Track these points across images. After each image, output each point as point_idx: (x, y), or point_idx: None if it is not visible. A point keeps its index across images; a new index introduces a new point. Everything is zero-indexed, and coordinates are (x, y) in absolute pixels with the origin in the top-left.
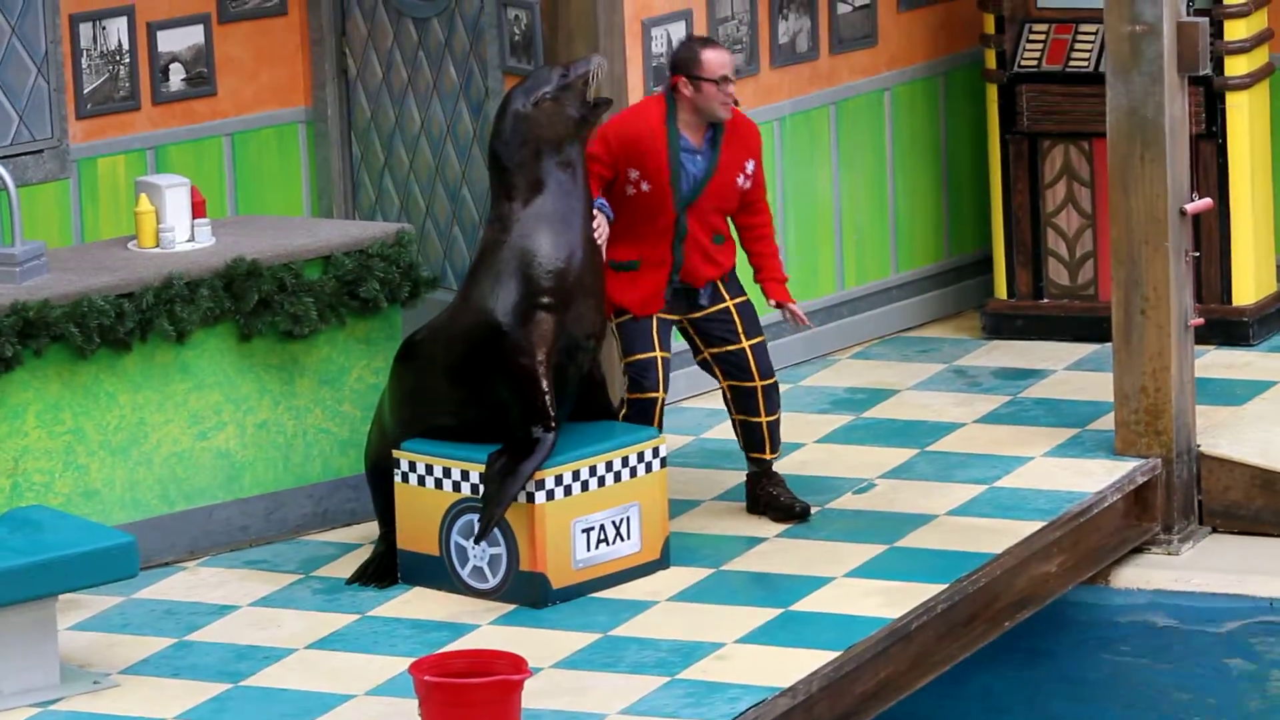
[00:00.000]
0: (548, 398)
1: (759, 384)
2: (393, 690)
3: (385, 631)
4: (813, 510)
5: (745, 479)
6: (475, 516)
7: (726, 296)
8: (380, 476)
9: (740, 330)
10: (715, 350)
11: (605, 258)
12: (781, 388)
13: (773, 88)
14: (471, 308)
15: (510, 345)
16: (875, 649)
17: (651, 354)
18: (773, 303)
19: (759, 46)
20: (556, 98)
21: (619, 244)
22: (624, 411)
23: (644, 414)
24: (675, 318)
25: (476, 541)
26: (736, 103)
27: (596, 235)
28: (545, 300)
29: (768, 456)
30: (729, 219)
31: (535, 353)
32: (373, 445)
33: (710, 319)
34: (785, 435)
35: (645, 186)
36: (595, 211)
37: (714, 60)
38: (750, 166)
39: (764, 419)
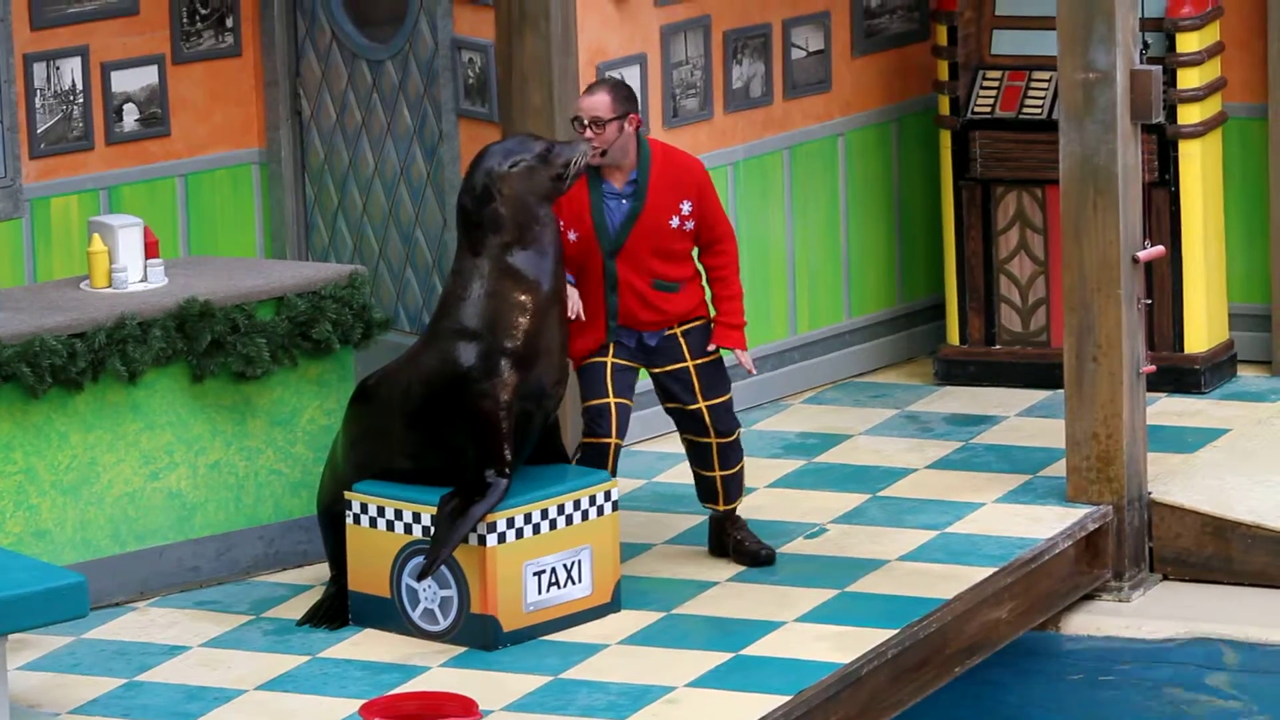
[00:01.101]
0: (506, 444)
1: (714, 440)
2: None
3: (336, 673)
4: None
5: (708, 520)
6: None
7: (687, 355)
8: (332, 519)
9: (697, 391)
10: (670, 405)
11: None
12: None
13: (726, 132)
14: (434, 354)
15: (474, 392)
16: (825, 694)
17: (605, 400)
18: (712, 347)
19: (713, 91)
20: (532, 166)
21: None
22: (578, 456)
23: (598, 458)
24: (632, 365)
25: (419, 579)
26: (602, 153)
27: (570, 310)
28: (511, 349)
29: (720, 508)
30: (696, 261)
31: (499, 398)
32: (325, 488)
33: (669, 375)
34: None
35: (573, 236)
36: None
37: (579, 103)
38: (686, 207)
39: (718, 474)
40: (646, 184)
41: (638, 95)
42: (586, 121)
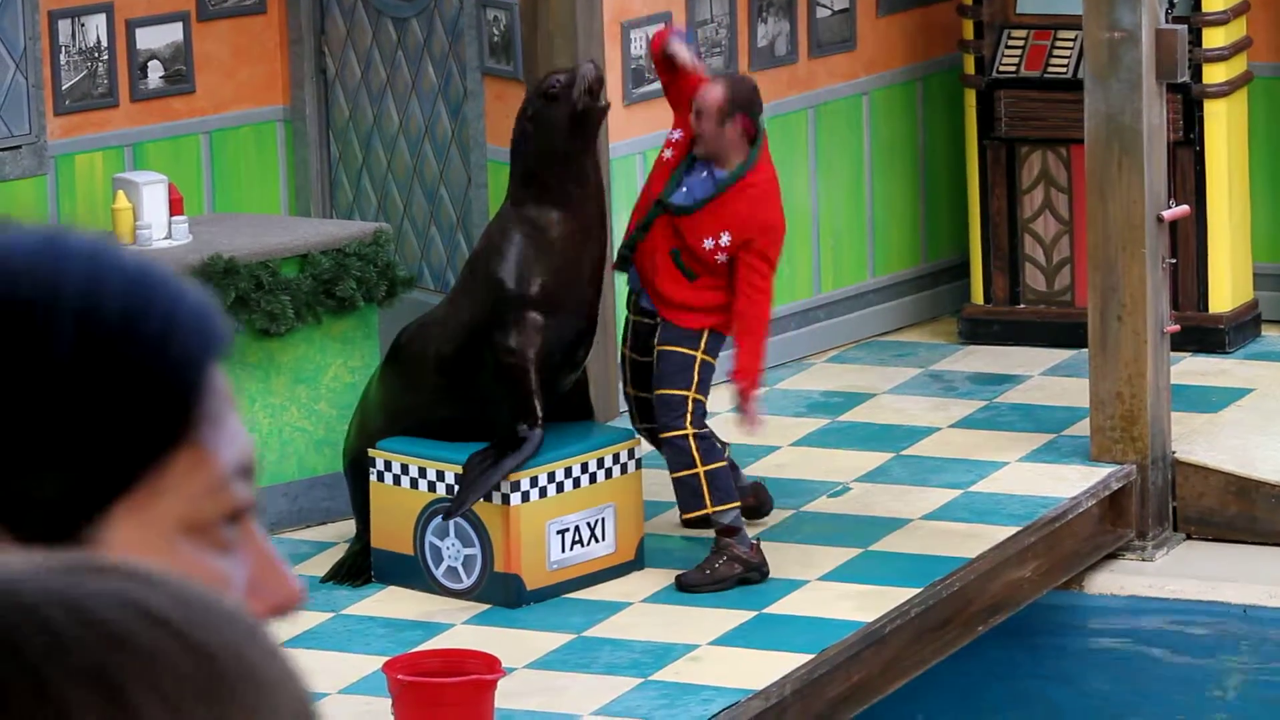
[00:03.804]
0: (534, 397)
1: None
2: (366, 689)
3: (359, 630)
4: (788, 513)
5: None
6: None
7: (656, 341)
8: (359, 472)
9: (655, 374)
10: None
11: None
12: (757, 390)
13: None
14: (466, 302)
15: (500, 343)
16: (848, 652)
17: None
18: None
19: (738, 49)
20: (539, 111)
21: None
22: None
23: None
24: (640, 358)
25: (445, 519)
26: (697, 141)
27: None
28: (534, 298)
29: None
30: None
31: (525, 350)
32: (352, 440)
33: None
34: (760, 439)
35: (666, 154)
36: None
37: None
38: (725, 238)
39: (669, 474)
40: (711, 197)
41: (758, 95)
42: (695, 109)
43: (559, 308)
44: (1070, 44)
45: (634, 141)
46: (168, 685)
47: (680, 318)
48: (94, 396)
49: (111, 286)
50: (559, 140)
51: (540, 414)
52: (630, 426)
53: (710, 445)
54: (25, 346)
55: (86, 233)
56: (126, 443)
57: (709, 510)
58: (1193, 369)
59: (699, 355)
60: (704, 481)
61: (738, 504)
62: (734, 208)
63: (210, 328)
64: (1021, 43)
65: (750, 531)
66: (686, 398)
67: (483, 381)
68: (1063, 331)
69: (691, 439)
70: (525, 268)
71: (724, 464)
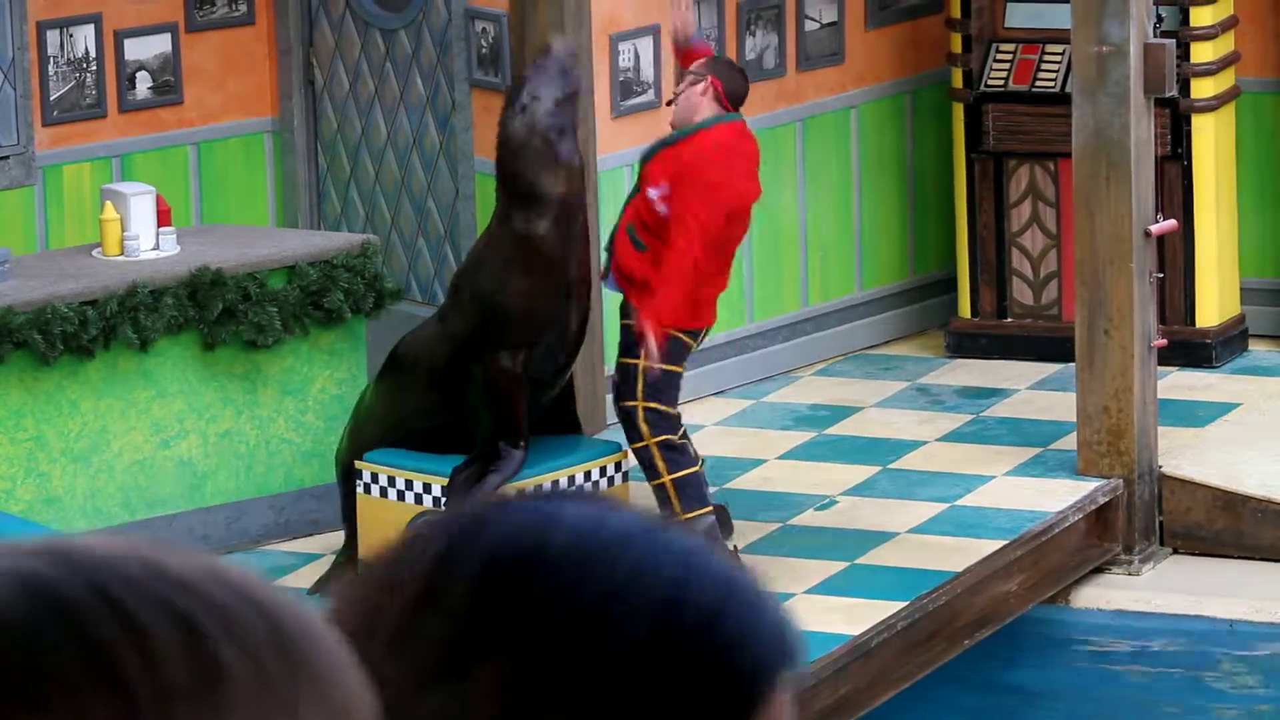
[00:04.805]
0: (521, 414)
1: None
2: None
3: None
4: (774, 526)
5: None
6: None
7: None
8: (352, 481)
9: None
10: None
11: None
12: (744, 404)
13: None
14: (454, 317)
15: (491, 359)
16: (835, 665)
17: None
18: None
19: None
20: (510, 120)
21: None
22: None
23: None
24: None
25: None
26: (670, 101)
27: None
28: (527, 316)
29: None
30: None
31: (510, 367)
32: (344, 449)
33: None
34: (748, 451)
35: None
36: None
37: None
38: (665, 187)
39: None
40: (662, 145)
41: (744, 80)
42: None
43: (543, 323)
44: (1058, 58)
45: (622, 154)
46: (242, 634)
47: (639, 299)
48: (651, 689)
49: (699, 587)
50: (532, 157)
51: (525, 432)
52: (616, 440)
53: (676, 453)
54: (599, 623)
55: (689, 532)
56: None
57: (680, 519)
58: (1180, 383)
59: (644, 363)
60: (671, 490)
61: (709, 508)
62: (677, 156)
63: (784, 648)
64: (1009, 56)
65: (728, 542)
66: (636, 407)
67: (472, 394)
68: (1050, 345)
69: (654, 449)
70: (512, 284)
71: (694, 470)
